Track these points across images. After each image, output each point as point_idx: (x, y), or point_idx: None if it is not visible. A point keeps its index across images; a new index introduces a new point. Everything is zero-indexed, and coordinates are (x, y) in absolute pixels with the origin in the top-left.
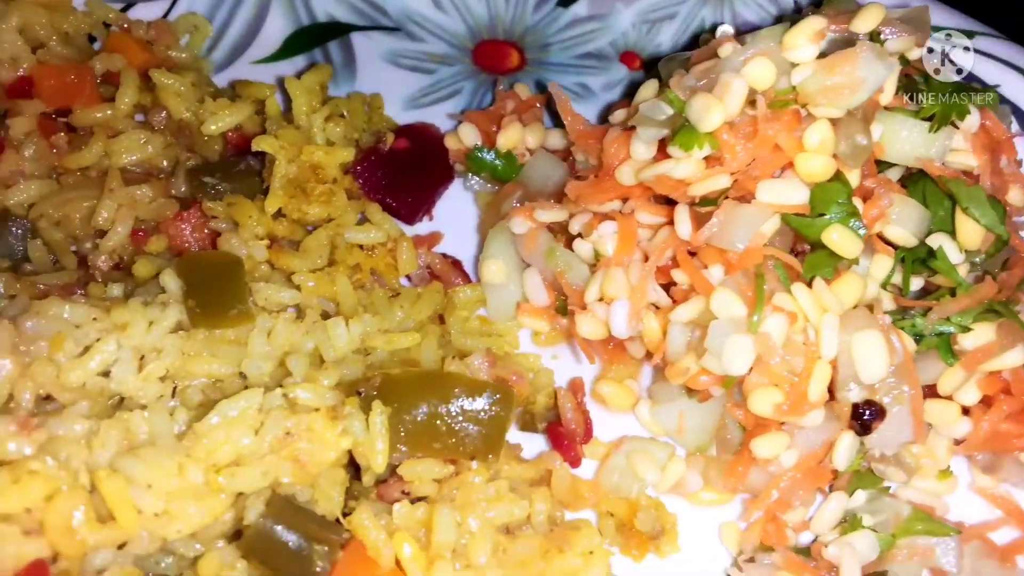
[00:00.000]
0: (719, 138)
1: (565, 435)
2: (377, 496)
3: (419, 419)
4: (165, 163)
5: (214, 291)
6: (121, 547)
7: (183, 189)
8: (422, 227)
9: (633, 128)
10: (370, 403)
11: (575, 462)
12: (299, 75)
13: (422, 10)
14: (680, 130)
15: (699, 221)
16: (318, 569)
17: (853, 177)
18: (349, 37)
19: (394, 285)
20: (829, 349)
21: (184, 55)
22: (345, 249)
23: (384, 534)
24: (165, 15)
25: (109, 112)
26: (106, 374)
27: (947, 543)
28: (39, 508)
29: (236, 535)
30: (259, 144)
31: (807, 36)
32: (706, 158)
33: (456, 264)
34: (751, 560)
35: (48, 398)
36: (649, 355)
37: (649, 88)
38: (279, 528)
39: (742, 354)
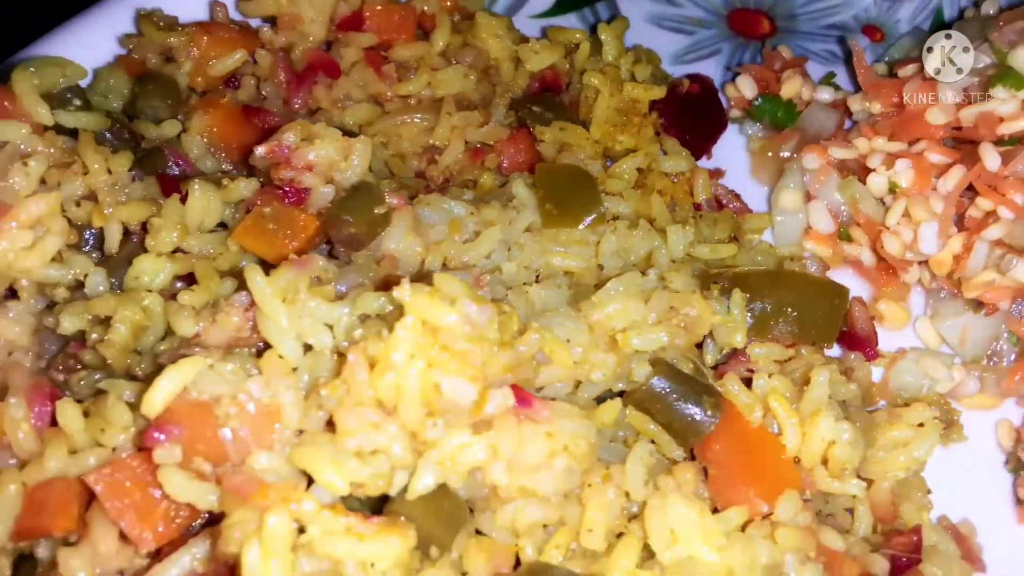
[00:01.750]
0: None
1: (861, 337)
2: (717, 376)
3: (768, 307)
4: (478, 97)
5: (571, 197)
6: (539, 389)
7: (502, 117)
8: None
9: (928, 77)
10: (729, 291)
11: (872, 359)
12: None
13: None
14: (1005, 75)
15: (1004, 160)
16: (708, 416)
17: None
18: None
19: (687, 211)
20: None
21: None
22: (656, 175)
23: (752, 396)
24: None
25: (425, 49)
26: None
27: None
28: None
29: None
30: (589, 79)
31: None
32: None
33: (738, 196)
34: None
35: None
36: (925, 279)
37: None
38: (675, 385)
39: None
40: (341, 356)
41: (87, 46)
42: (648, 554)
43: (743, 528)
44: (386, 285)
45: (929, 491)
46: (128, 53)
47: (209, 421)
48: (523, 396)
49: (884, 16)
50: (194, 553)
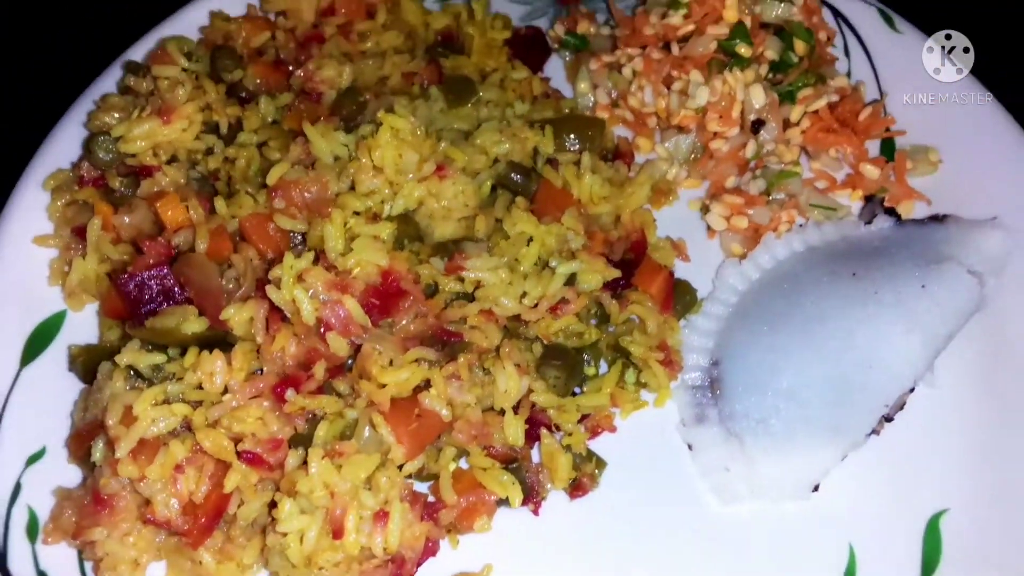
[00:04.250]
0: (690, 4)
1: (624, 152)
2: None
3: (563, 132)
4: (405, 48)
5: (461, 90)
6: None
7: (421, 57)
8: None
9: (647, 11)
10: (543, 127)
11: (629, 164)
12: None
13: None
14: (672, 2)
15: (680, 49)
16: (533, 182)
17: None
18: None
19: (528, 99)
20: (740, 95)
21: None
22: (509, 81)
23: (558, 175)
24: None
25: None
26: None
27: (797, 180)
28: None
29: None
30: (467, 30)
31: None
32: (684, 16)
33: (558, 91)
34: (712, 199)
35: None
36: (658, 123)
37: None
38: (518, 171)
39: (703, 94)
40: (351, 159)
41: (185, 30)
42: (504, 236)
43: None
44: None
45: (654, 219)
46: (205, 36)
47: (297, 190)
48: (441, 167)
49: None
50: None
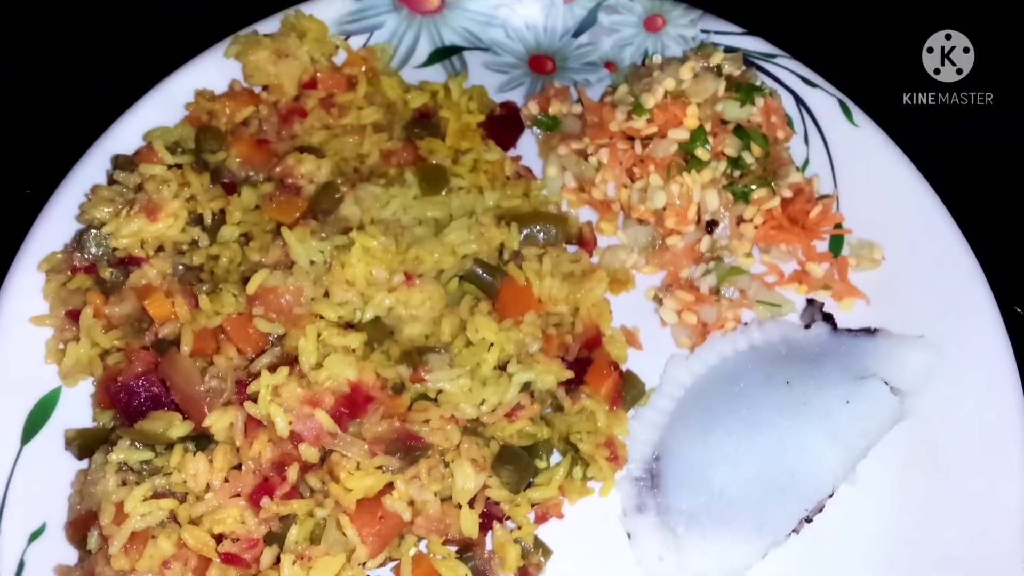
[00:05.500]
0: (653, 110)
1: (587, 240)
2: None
3: (529, 227)
4: (384, 123)
5: (434, 179)
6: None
7: (399, 135)
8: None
9: (614, 104)
10: (510, 223)
11: (591, 253)
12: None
13: (500, 39)
14: (636, 107)
15: (643, 147)
16: (497, 280)
17: (707, 126)
18: (463, 54)
19: (500, 180)
20: (696, 196)
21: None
22: (481, 163)
23: (520, 272)
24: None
25: (353, 97)
26: None
27: (745, 277)
28: None
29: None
30: (443, 113)
31: (688, 68)
32: (647, 120)
33: (529, 170)
34: (664, 291)
35: None
36: (620, 210)
37: (623, 87)
38: (483, 268)
39: (661, 199)
40: (326, 265)
41: (169, 110)
42: (466, 341)
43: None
44: (344, 231)
45: (611, 312)
46: (190, 114)
47: (275, 296)
48: (409, 276)
49: (617, 55)
50: (274, 352)
